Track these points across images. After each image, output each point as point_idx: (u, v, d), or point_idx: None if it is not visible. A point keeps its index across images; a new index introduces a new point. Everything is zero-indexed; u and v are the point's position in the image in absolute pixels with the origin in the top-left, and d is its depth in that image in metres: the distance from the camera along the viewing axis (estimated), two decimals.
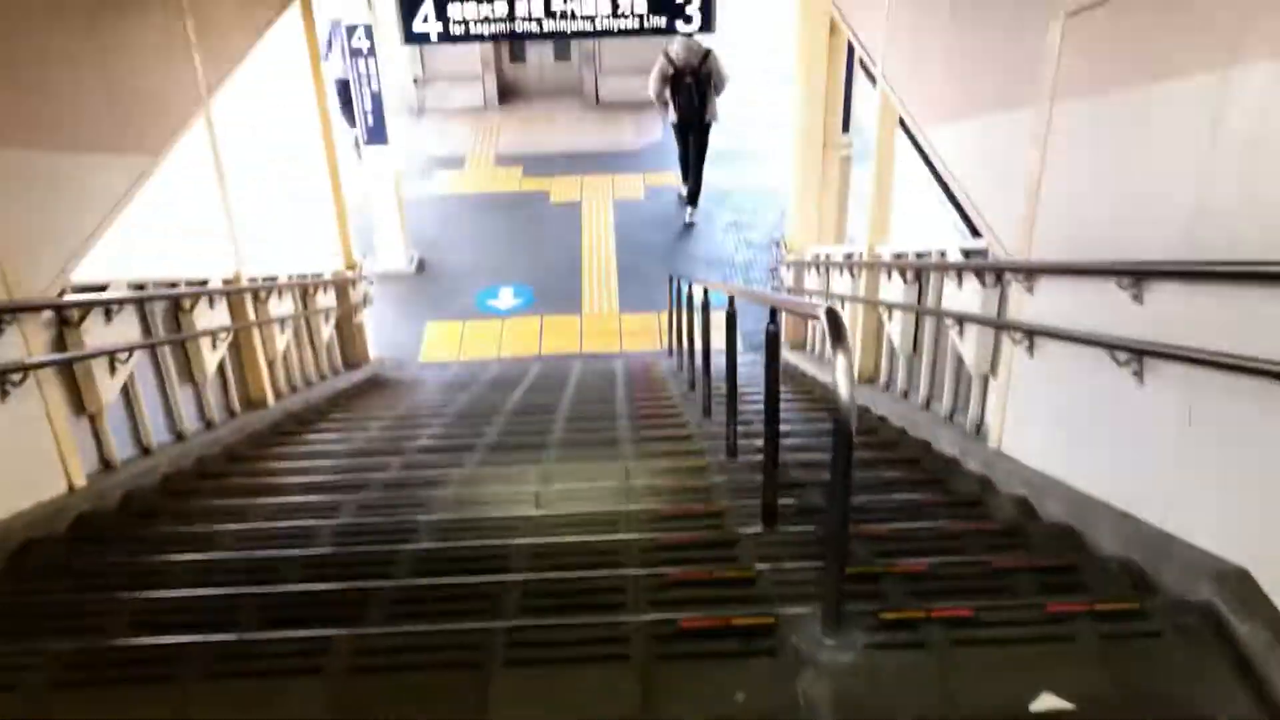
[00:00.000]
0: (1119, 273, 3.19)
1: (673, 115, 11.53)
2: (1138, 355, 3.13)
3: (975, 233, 10.99)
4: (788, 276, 9.35)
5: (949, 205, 11.61)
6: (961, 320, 4.87)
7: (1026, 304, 4.04)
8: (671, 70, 11.09)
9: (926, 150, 5.27)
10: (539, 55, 15.54)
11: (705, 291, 5.95)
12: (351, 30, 9.62)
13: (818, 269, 8.30)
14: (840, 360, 2.40)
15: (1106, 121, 3.37)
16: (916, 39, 5.49)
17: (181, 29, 5.58)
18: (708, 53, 10.94)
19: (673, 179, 12.84)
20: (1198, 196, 2.80)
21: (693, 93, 11.19)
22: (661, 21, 7.79)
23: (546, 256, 11.52)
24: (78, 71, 4.43)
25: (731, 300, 4.60)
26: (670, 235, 11.85)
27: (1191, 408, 2.88)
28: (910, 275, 5.69)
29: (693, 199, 12.18)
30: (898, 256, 5.99)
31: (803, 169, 8.98)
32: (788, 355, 9.41)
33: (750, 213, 12.19)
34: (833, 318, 2.52)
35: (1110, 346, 3.25)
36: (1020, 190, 3.99)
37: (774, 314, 3.50)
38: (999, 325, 4.40)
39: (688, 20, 7.85)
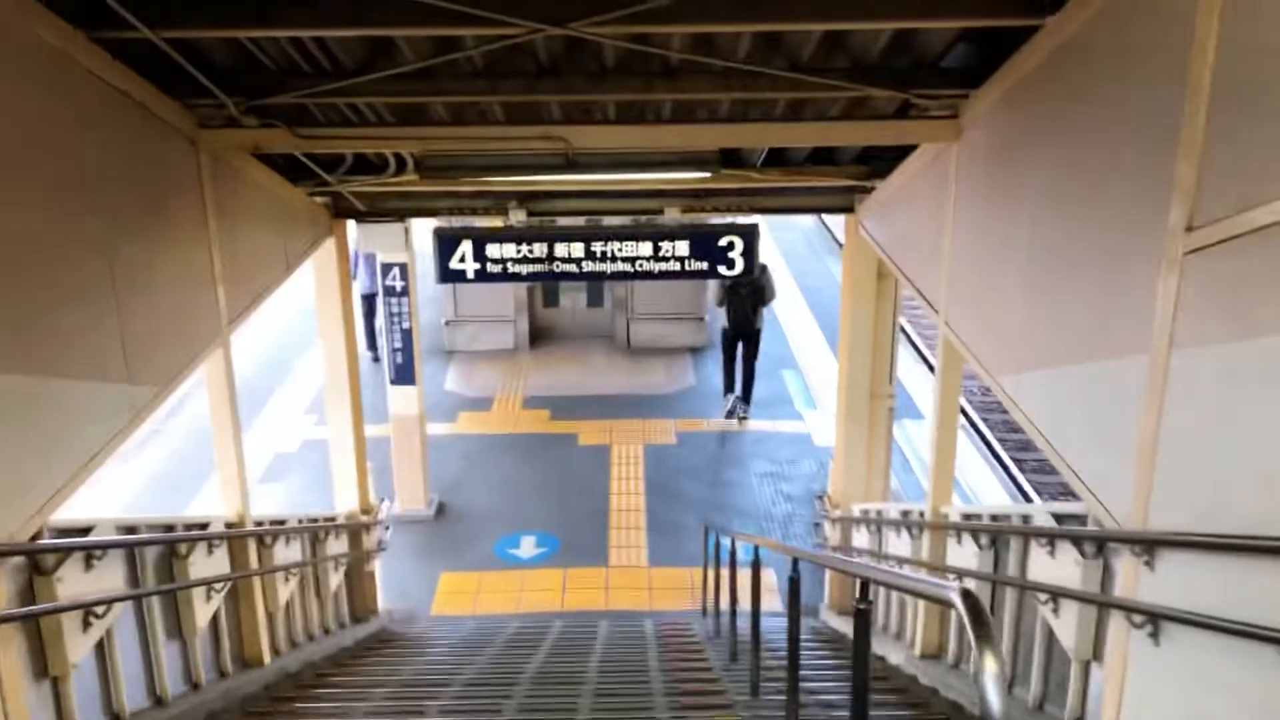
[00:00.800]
0: None
1: (724, 320, 12.41)
2: None
3: (1021, 491, 10.51)
4: (833, 534, 8.73)
5: (987, 456, 11.23)
6: (1056, 595, 4.25)
7: (1145, 581, 3.44)
8: (729, 281, 11.71)
9: (1004, 403, 4.81)
10: (571, 300, 15.76)
11: (756, 550, 5.37)
12: (387, 269, 9.54)
13: (868, 526, 7.72)
14: (990, 664, 1.84)
15: (1245, 372, 2.88)
16: (986, 286, 5.13)
17: (207, 260, 5.34)
18: (764, 268, 11.59)
19: (705, 425, 12.60)
20: None
21: (746, 303, 12.12)
22: (704, 265, 7.63)
23: (572, 502, 10.98)
24: (89, 300, 4.05)
25: (795, 564, 4.02)
26: (703, 483, 11.34)
27: None
28: (985, 539, 5.11)
29: (746, 396, 12.69)
30: (968, 518, 5.43)
31: (848, 419, 8.55)
32: (828, 618, 8.67)
33: (787, 462, 11.72)
34: (972, 604, 1.97)
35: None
36: (1130, 449, 3.48)
37: (864, 588, 2.93)
38: (1110, 605, 3.77)
39: (730, 265, 7.69)
